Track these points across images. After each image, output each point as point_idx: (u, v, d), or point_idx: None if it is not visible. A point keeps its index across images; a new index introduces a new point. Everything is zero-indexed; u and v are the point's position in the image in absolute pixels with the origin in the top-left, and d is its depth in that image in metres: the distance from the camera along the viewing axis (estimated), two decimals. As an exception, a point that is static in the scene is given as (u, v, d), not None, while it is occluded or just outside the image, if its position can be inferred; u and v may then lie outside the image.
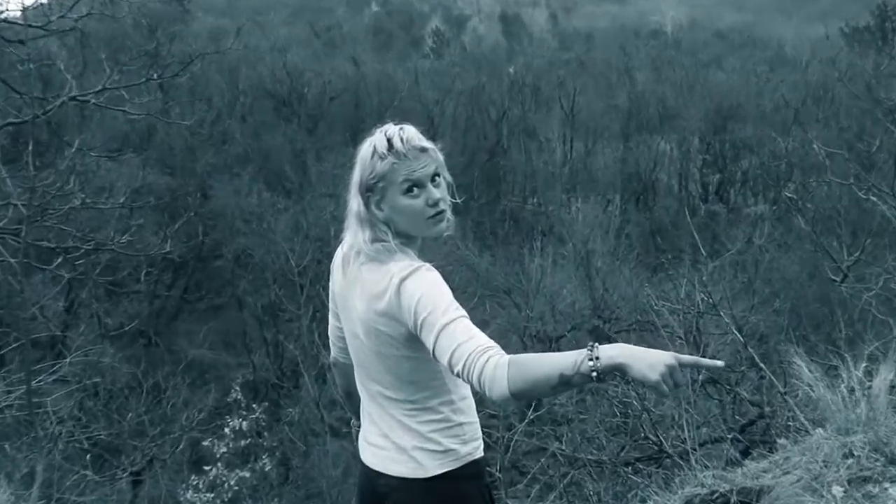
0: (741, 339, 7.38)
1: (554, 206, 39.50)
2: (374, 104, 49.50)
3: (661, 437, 6.51)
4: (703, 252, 11.01)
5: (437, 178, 2.71)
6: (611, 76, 60.25)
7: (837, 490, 3.58)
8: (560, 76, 54.20)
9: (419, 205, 2.66)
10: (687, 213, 27.32)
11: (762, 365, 6.79)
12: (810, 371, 4.57)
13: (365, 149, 2.71)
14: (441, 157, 2.76)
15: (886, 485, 3.56)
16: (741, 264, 18.88)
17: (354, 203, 2.73)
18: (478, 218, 40.88)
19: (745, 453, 5.32)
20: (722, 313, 7.97)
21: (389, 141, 2.64)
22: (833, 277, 14.82)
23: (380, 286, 2.65)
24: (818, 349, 7.74)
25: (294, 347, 27.35)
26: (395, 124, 2.73)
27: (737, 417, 6.91)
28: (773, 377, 6.34)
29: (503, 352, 2.35)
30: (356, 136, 48.61)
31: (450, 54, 67.36)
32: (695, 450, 5.33)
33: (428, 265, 2.66)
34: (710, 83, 52.81)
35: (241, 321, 34.57)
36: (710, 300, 8.17)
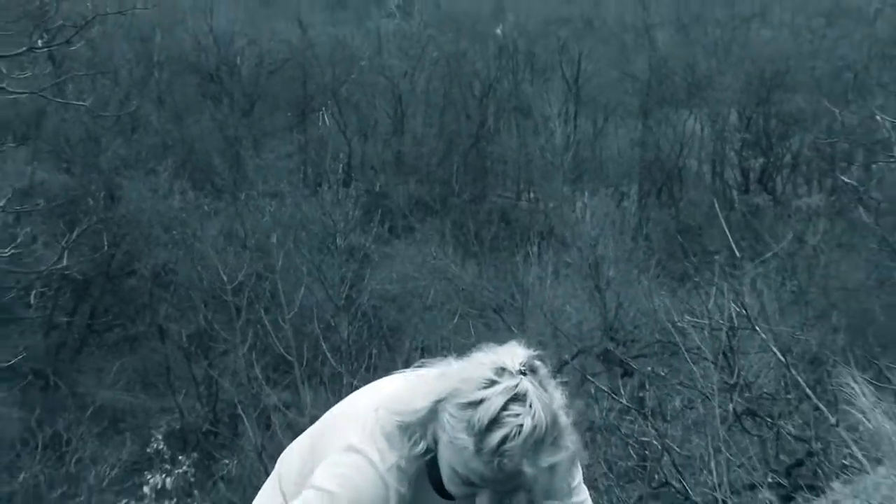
0: (784, 360, 7.49)
1: (554, 201, 39.74)
2: (326, 79, 49.45)
3: (686, 484, 6.63)
4: (739, 254, 11.04)
5: (509, 497, 2.43)
6: (625, 37, 60.32)
7: (899, 540, 3.66)
8: (561, 38, 54.12)
9: (461, 493, 2.48)
10: (720, 207, 27.52)
11: (810, 393, 6.90)
12: (867, 397, 4.69)
13: (475, 379, 2.40)
14: (550, 481, 2.40)
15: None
16: (790, 269, 19.11)
17: (422, 417, 2.49)
18: (459, 219, 41.13)
19: (788, 499, 5.47)
20: (758, 328, 8.09)
21: (491, 426, 2.29)
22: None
23: None
24: (884, 374, 7.90)
25: (230, 385, 27.37)
26: (538, 394, 2.37)
27: (780, 457, 7.03)
28: (824, 408, 6.47)
29: None
30: (304, 119, 48.97)
31: (420, 12, 67.14)
32: (726, 500, 5.49)
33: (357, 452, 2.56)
34: (750, 43, 53.13)
35: (164, 355, 34.52)
36: (745, 312, 8.28)
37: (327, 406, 3.10)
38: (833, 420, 5.67)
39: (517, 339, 2.54)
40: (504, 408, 2.26)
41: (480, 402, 2.28)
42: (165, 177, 38.21)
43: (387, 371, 3.00)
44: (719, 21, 56.80)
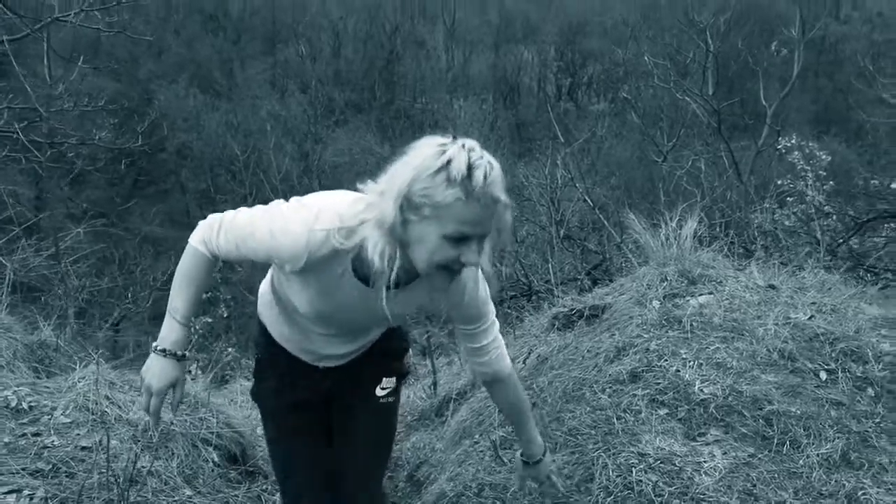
0: (591, 203, 7.97)
1: (439, 104, 39.52)
2: (289, 20, 48.15)
3: (530, 278, 6.95)
4: (562, 139, 11.54)
5: (484, 238, 1.86)
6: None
7: (655, 303, 4.17)
8: (442, -5, 53.39)
9: (449, 255, 1.82)
10: (548, 108, 27.68)
11: (605, 221, 7.41)
12: (640, 223, 5.17)
13: (431, 154, 1.80)
14: (509, 217, 1.87)
15: (688, 298, 4.19)
16: (587, 150, 19.54)
17: (389, 210, 1.82)
18: (378, 115, 40.65)
19: (594, 285, 5.85)
20: (577, 185, 8.48)
21: (470, 171, 1.77)
22: (655, 159, 15.56)
23: None
24: (645, 212, 8.40)
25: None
26: (481, 150, 1.83)
27: (584, 264, 7.37)
28: (612, 231, 6.92)
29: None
30: (273, 46, 47.56)
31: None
32: (557, 286, 5.84)
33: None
34: (564, 3, 52.78)
35: (184, 203, 34.09)
36: (569, 175, 8.66)
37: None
38: (618, 239, 6.14)
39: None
40: (469, 157, 1.77)
41: (449, 161, 1.76)
42: (182, 85, 37.19)
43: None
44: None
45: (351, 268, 2.01)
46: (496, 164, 1.80)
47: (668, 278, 4.37)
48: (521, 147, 29.35)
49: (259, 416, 2.61)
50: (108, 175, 30.92)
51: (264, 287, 2.38)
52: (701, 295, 4.20)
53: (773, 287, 4.32)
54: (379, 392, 2.43)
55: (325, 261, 1.97)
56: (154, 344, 2.14)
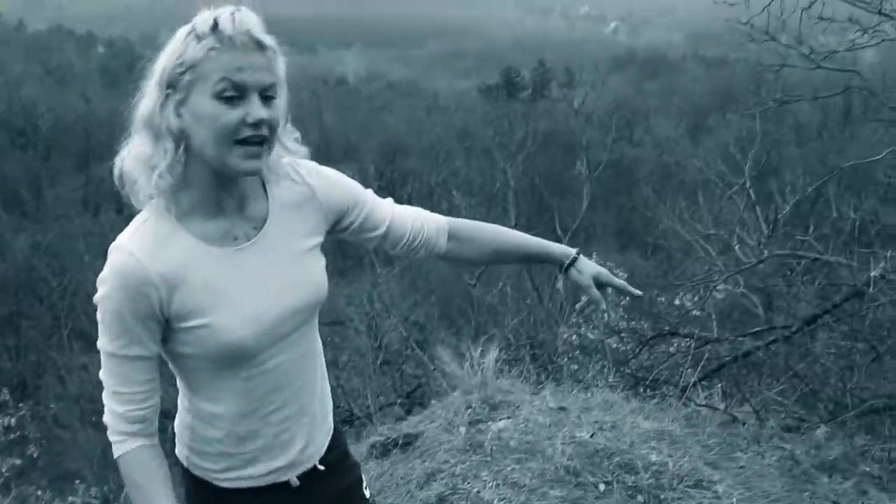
0: (404, 333, 8.47)
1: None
2: (104, 136, 47.08)
3: (351, 405, 7.20)
4: (377, 265, 12.08)
5: (269, 92, 1.58)
6: (304, 116, 60.52)
7: (462, 429, 4.65)
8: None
9: (232, 118, 1.53)
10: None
11: (419, 349, 7.90)
12: (449, 354, 5.69)
13: (180, 30, 1.57)
14: (284, 67, 1.62)
15: (490, 423, 4.70)
16: (408, 269, 20.22)
17: (148, 103, 1.58)
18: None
19: (409, 411, 6.25)
20: (392, 315, 8.96)
21: (216, 20, 1.53)
22: (469, 281, 16.47)
23: None
24: (460, 333, 8.99)
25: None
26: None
27: (403, 387, 7.71)
28: (426, 359, 7.40)
29: None
30: (87, 162, 46.20)
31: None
32: (375, 412, 6.18)
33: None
34: (383, 124, 54.88)
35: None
36: (384, 304, 9.13)
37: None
38: (431, 366, 6.59)
39: None
40: (214, 11, 1.54)
41: (193, 25, 1.54)
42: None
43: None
44: (363, 109, 58.53)
45: (183, 230, 1.63)
46: (250, 11, 1.56)
47: (473, 405, 4.87)
48: (343, 264, 29.78)
49: None
50: None
51: (181, 419, 1.81)
52: (501, 420, 4.72)
53: (562, 409, 4.92)
54: (366, 493, 2.03)
55: (160, 258, 1.59)
56: None
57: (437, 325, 10.48)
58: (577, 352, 7.56)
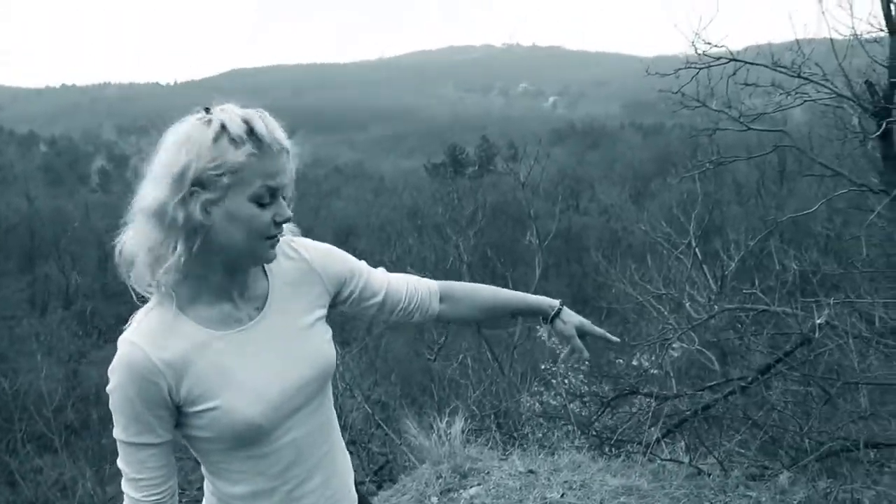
0: (369, 410, 8.47)
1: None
2: (49, 234, 46.52)
3: None
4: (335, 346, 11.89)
5: (287, 191, 1.67)
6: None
7: (434, 499, 4.68)
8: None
9: (266, 220, 1.61)
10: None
11: (384, 427, 7.90)
12: (415, 427, 5.73)
13: (196, 130, 1.56)
14: (293, 165, 1.68)
15: (461, 490, 4.73)
16: (367, 349, 20.12)
17: (158, 195, 1.57)
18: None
19: (379, 487, 6.23)
20: (355, 394, 8.97)
21: (248, 123, 1.57)
22: (428, 356, 16.46)
23: None
24: (423, 407, 8.97)
25: None
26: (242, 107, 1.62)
27: (371, 466, 7.66)
28: (392, 434, 7.40)
29: None
30: (33, 261, 45.47)
31: (117, 189, 64.55)
32: None
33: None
34: (332, 208, 55.20)
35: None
36: (346, 384, 9.13)
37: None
38: (398, 441, 6.59)
39: None
40: (237, 113, 1.59)
41: (222, 125, 1.56)
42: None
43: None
44: (311, 194, 58.68)
45: (183, 315, 1.66)
46: (265, 111, 1.63)
47: (443, 475, 4.91)
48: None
49: None
50: None
51: (207, 502, 1.84)
52: (472, 487, 4.76)
53: (531, 472, 4.99)
54: None
55: (164, 346, 1.62)
56: None
57: (399, 402, 10.42)
58: (541, 418, 7.62)
